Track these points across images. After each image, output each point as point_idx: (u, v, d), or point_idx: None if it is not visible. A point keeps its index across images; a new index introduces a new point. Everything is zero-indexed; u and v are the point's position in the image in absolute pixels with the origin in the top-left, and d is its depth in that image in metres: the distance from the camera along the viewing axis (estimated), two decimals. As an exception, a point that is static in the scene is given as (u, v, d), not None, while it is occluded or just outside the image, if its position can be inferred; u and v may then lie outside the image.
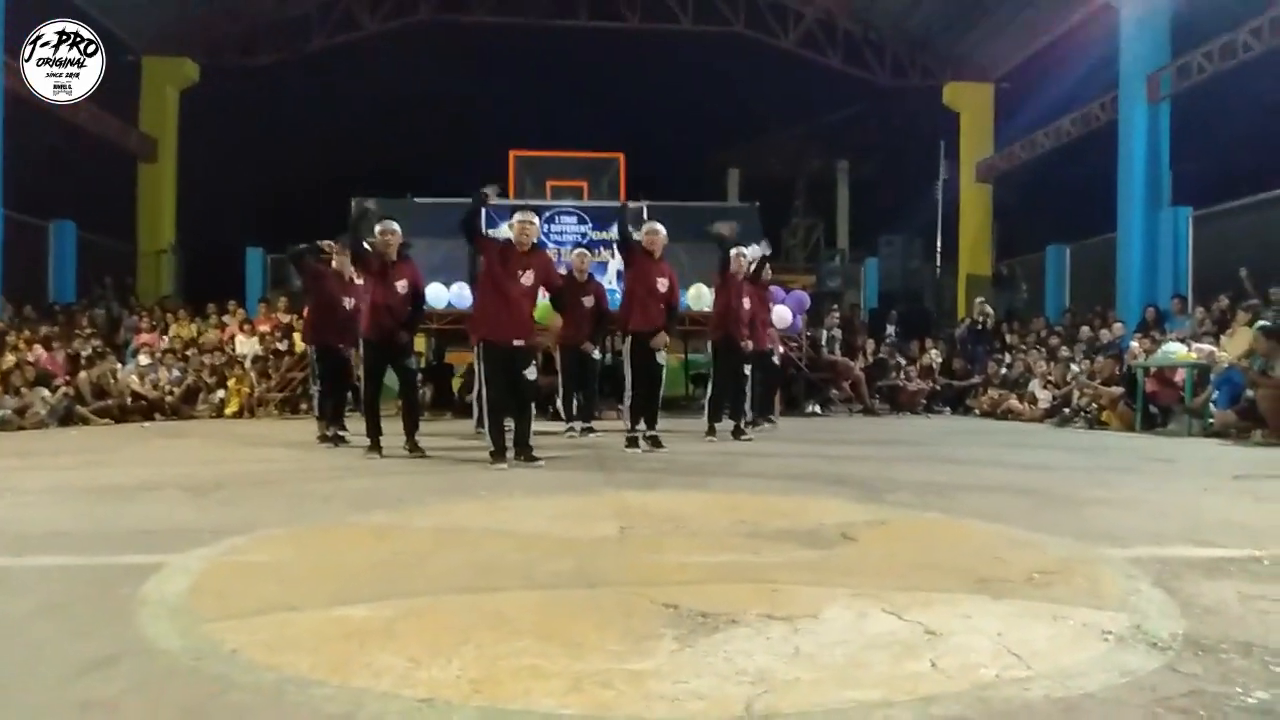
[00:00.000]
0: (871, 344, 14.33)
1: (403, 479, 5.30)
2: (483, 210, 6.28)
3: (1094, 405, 10.48)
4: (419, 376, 9.30)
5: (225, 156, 18.91)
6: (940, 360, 14.13)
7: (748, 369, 8.32)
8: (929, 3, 17.72)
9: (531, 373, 6.07)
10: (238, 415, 11.82)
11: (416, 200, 12.72)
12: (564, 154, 15.15)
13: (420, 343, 12.30)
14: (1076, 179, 16.58)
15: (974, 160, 19.28)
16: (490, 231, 12.00)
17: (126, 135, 17.24)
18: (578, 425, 8.54)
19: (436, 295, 11.90)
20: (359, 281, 7.41)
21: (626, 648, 1.99)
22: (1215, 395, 8.88)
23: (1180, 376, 9.44)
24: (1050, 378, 11.80)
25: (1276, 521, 3.86)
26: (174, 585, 2.58)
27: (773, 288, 9.93)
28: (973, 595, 2.46)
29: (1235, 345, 9.39)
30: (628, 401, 7.27)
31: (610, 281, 12.04)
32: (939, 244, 21.14)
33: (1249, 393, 8.34)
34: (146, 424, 10.62)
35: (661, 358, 7.36)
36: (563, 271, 8.57)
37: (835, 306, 15.01)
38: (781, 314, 10.64)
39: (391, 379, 6.86)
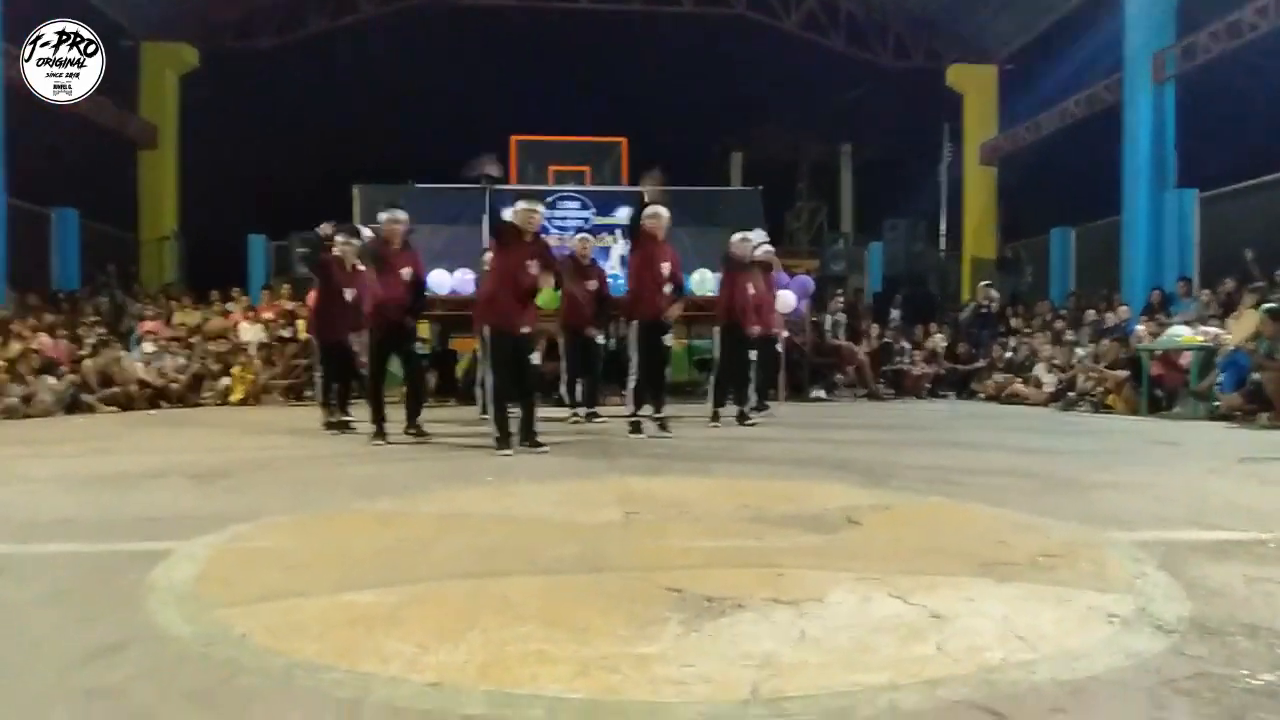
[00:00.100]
0: (876, 328, 14.29)
1: (407, 465, 5.32)
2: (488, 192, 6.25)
3: (1099, 389, 10.45)
4: (424, 362, 9.30)
5: (225, 142, 18.83)
6: (945, 344, 14.08)
7: (753, 354, 8.31)
8: (933, -17, 17.61)
9: (535, 358, 6.09)
10: (243, 402, 11.83)
11: (418, 186, 12.69)
12: (566, 139, 15.09)
13: (424, 329, 12.30)
14: (1081, 161, 16.47)
15: (978, 142, 19.18)
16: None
17: (127, 122, 17.18)
18: (582, 411, 8.54)
19: (439, 281, 11.90)
20: (361, 268, 7.41)
21: (632, 632, 2.00)
22: (1221, 378, 8.86)
23: (1186, 360, 9.41)
24: (1055, 361, 11.77)
25: (1282, 504, 3.86)
26: (181, 572, 2.59)
27: (778, 273, 9.89)
28: (978, 579, 2.47)
29: (1241, 328, 9.36)
30: (631, 385, 7.28)
31: (613, 266, 12.03)
32: (943, 227, 21.07)
33: (1255, 375, 8.31)
34: (152, 411, 10.66)
35: (668, 339, 7.37)
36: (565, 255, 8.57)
37: (839, 291, 14.97)
38: (785, 299, 10.60)
39: (395, 365, 6.87)
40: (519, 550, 2.85)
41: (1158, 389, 9.63)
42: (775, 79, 21.04)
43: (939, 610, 2.15)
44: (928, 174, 21.63)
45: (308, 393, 11.88)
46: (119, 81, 16.26)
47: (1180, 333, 9.60)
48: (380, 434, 6.56)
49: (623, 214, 12.73)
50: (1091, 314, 12.85)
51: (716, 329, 8.14)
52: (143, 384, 11.21)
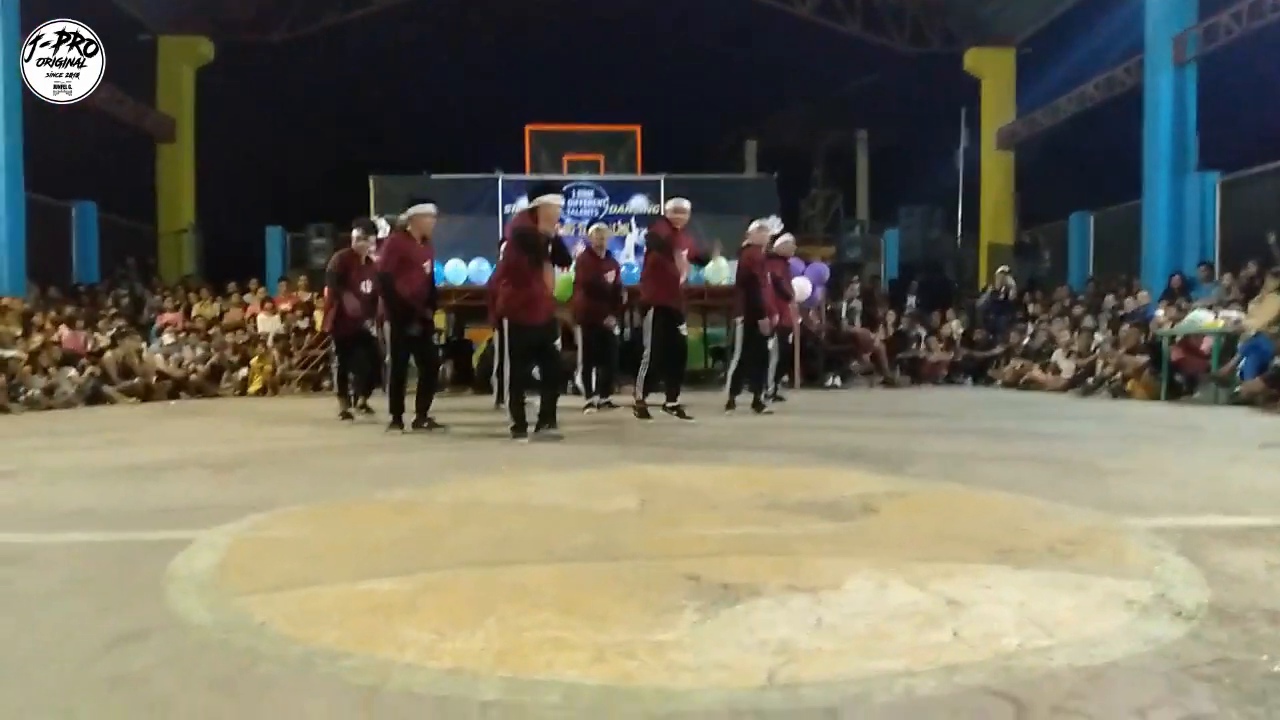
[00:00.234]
0: (892, 315, 14.24)
1: (424, 455, 5.34)
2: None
3: (1118, 375, 10.37)
4: (439, 353, 9.35)
5: (242, 135, 18.94)
6: (961, 331, 14.01)
7: (771, 343, 8.30)
8: (949, -34, 17.42)
9: (557, 344, 6.13)
10: (261, 393, 11.92)
11: (433, 177, 12.71)
12: (580, 128, 15.06)
13: (440, 319, 12.35)
14: (1100, 145, 16.29)
15: (995, 127, 19.00)
16: (508, 208, 12.12)
17: (145, 116, 17.29)
18: (596, 400, 8.55)
19: (455, 271, 11.94)
20: (375, 258, 7.44)
21: (648, 619, 2.00)
22: (1242, 363, 8.77)
23: (1206, 345, 9.32)
24: (1074, 347, 11.68)
25: (1304, 490, 3.82)
26: (201, 561, 2.61)
27: (792, 260, 9.85)
28: (995, 565, 2.45)
29: (1263, 312, 9.25)
30: (642, 373, 7.28)
31: (628, 255, 12.02)
32: (960, 213, 20.87)
33: (1277, 360, 8.23)
34: (171, 402, 10.76)
35: (683, 329, 7.43)
36: (580, 248, 8.57)
37: (855, 278, 14.89)
38: (801, 286, 10.56)
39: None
40: (535, 538, 2.86)
41: (1178, 374, 9.54)
42: (790, 65, 20.90)
43: (956, 597, 2.14)
44: (944, 160, 21.41)
45: (325, 383, 11.98)
46: (137, 75, 16.38)
47: (1201, 318, 9.50)
48: (398, 424, 6.61)
49: (637, 203, 12.74)
50: (1110, 299, 12.75)
51: (738, 320, 8.06)
52: (162, 375, 11.32)
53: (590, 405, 8.49)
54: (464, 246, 11.80)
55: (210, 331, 13.05)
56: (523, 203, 6.24)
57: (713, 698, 1.59)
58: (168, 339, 12.13)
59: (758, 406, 7.96)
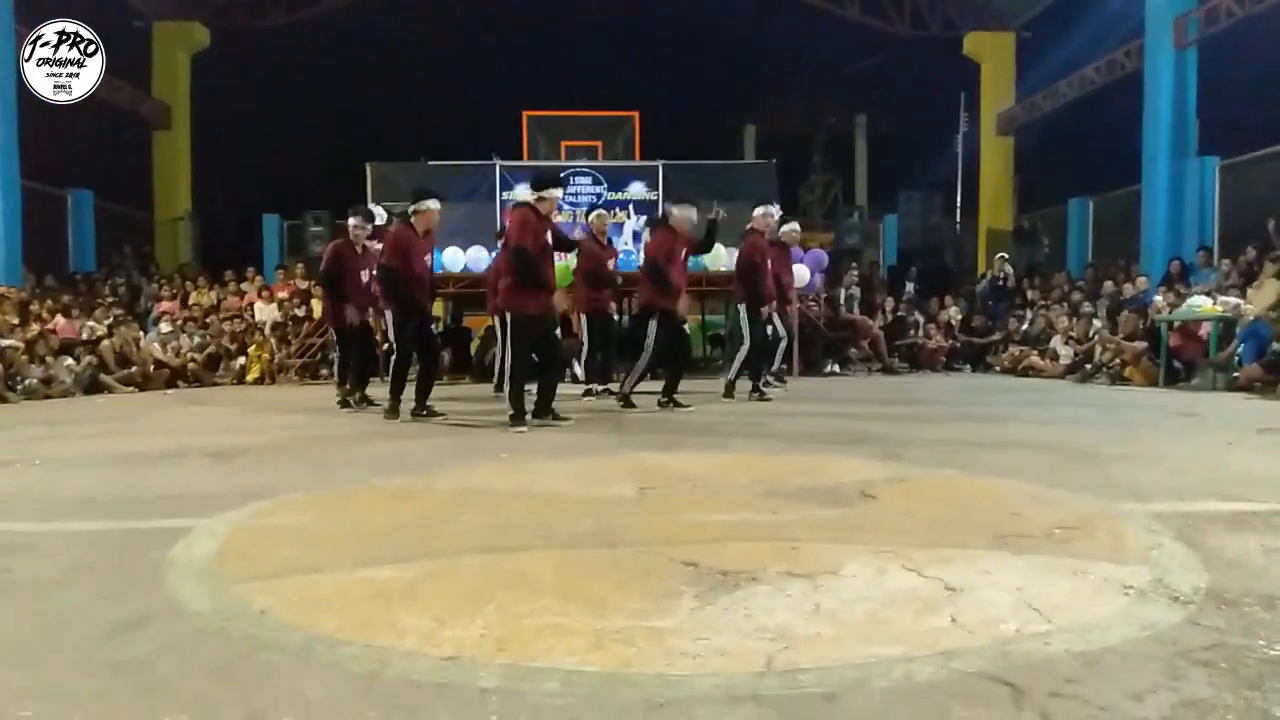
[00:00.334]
0: (890, 302, 14.22)
1: (423, 442, 5.34)
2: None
3: (1117, 361, 10.37)
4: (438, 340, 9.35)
5: (238, 121, 18.86)
6: (960, 317, 14.00)
7: (781, 329, 8.30)
8: (949, -50, 17.32)
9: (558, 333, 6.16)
10: (259, 381, 11.91)
11: (431, 164, 12.66)
12: (578, 114, 14.97)
13: (438, 307, 12.32)
14: (1100, 130, 16.23)
15: (995, 112, 18.92)
16: (506, 194, 12.08)
17: (140, 103, 17.19)
18: (595, 387, 8.55)
19: (453, 259, 11.92)
20: (376, 246, 7.43)
21: (647, 606, 2.01)
22: (1241, 349, 8.77)
23: (1205, 330, 9.31)
24: (1072, 333, 11.68)
25: (1302, 475, 3.83)
26: (201, 548, 2.62)
27: (792, 247, 9.84)
28: (993, 551, 2.46)
29: (1262, 298, 9.24)
30: (639, 367, 7.24)
31: (626, 242, 12.00)
32: (959, 199, 20.83)
33: (1275, 346, 8.23)
34: (169, 391, 10.76)
35: (685, 327, 7.43)
36: (579, 235, 8.54)
37: (854, 264, 14.87)
38: (799, 273, 10.54)
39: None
40: (534, 525, 2.87)
41: (1176, 360, 9.54)
42: (789, 50, 20.79)
43: (954, 583, 2.15)
44: (944, 145, 21.36)
45: (323, 372, 11.97)
46: (132, 62, 16.28)
47: (1199, 303, 9.49)
48: (394, 411, 6.62)
49: (635, 189, 12.70)
50: (1109, 285, 12.73)
51: (741, 306, 8.05)
52: (159, 364, 11.31)
53: (589, 392, 8.49)
54: (462, 234, 11.76)
55: (207, 320, 13.03)
56: (521, 190, 6.21)
57: (711, 684, 1.60)
58: (165, 327, 12.11)
59: (757, 393, 7.95)
